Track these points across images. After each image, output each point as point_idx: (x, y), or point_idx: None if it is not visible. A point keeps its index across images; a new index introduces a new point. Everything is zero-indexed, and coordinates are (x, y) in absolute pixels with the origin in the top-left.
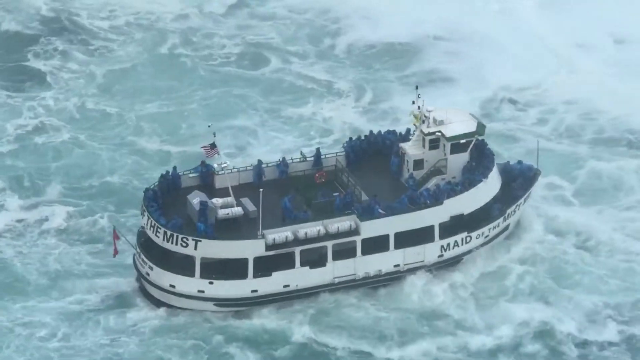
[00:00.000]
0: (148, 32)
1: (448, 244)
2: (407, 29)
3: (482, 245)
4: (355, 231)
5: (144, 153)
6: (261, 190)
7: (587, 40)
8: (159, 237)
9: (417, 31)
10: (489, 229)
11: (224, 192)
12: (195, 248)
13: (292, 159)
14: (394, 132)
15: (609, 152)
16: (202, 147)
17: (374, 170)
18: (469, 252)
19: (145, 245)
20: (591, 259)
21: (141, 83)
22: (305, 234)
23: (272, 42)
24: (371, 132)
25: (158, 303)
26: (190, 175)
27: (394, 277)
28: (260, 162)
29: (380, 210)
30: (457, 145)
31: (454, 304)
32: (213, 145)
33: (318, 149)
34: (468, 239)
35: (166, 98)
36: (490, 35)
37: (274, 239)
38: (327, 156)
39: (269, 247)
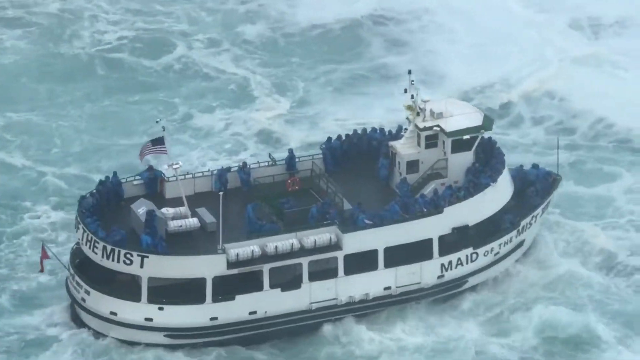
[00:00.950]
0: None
1: (450, 262)
2: (338, 10)
3: (492, 264)
4: (335, 245)
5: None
6: (221, 193)
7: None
8: (96, 253)
9: (349, 12)
10: (500, 245)
11: (176, 203)
12: (142, 266)
13: (258, 162)
14: (381, 130)
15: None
16: (145, 148)
17: (359, 176)
18: (476, 272)
19: (81, 265)
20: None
21: (11, 84)
22: (276, 248)
23: (176, 29)
24: (355, 131)
25: (96, 335)
26: (135, 182)
27: (385, 303)
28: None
29: (366, 221)
30: (460, 142)
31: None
32: (159, 142)
33: (291, 151)
34: (474, 256)
35: (43, 105)
36: (442, 17)
37: (237, 254)
38: (301, 159)
39: (231, 265)
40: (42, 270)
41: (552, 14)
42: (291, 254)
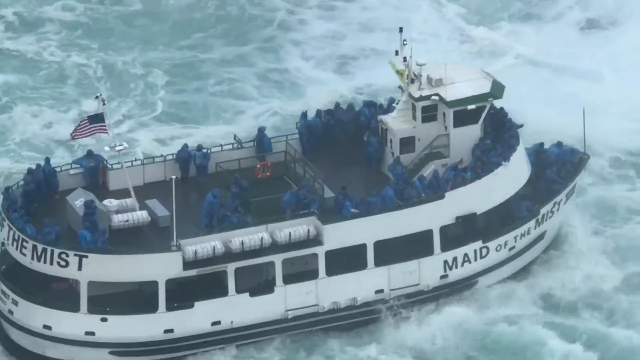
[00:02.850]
0: None
1: (454, 259)
2: None
3: (506, 261)
4: (315, 240)
5: None
6: (174, 177)
7: None
8: (25, 255)
9: None
10: (515, 238)
11: (122, 195)
12: (79, 268)
13: (221, 146)
14: (371, 103)
15: None
16: (81, 127)
17: (342, 158)
18: (487, 271)
19: (8, 271)
20: None
21: None
22: (242, 244)
23: None
24: (337, 105)
25: (26, 355)
26: (72, 172)
27: (376, 310)
28: (185, 145)
29: (352, 209)
30: (464, 114)
31: None
32: (98, 119)
33: (261, 130)
34: (484, 251)
35: None
36: None
37: (196, 251)
38: (273, 140)
39: (188, 265)
40: None
41: None
42: (261, 250)
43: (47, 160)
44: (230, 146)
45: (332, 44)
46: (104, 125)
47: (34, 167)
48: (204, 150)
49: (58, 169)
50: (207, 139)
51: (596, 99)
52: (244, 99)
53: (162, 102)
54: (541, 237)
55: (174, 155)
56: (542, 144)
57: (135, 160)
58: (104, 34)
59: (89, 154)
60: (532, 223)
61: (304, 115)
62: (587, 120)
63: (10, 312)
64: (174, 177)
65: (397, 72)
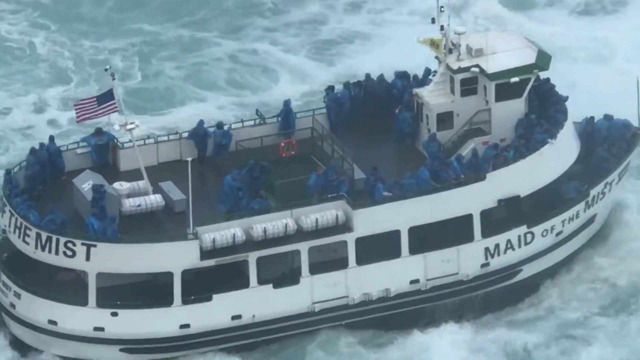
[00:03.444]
0: None
1: (496, 246)
2: None
3: (553, 248)
4: (344, 226)
5: None
6: (189, 159)
7: None
8: (28, 243)
9: None
10: (563, 222)
11: (133, 176)
12: (88, 258)
13: (241, 121)
14: (404, 74)
15: None
16: (77, 103)
17: (374, 134)
18: (532, 259)
19: (10, 261)
20: None
21: None
22: (264, 231)
23: None
24: (368, 76)
25: (29, 351)
26: (79, 151)
27: (411, 302)
28: (202, 122)
29: (384, 192)
30: (506, 87)
31: None
32: (107, 98)
33: (287, 103)
34: (529, 237)
35: None
36: None
37: (214, 239)
38: (298, 116)
39: (206, 254)
40: None
41: None
42: (285, 238)
43: (52, 138)
44: (252, 122)
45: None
46: (114, 103)
47: (36, 146)
48: (225, 128)
49: (64, 148)
50: (172, 125)
51: None
52: (209, 87)
53: (125, 88)
54: (591, 220)
55: (189, 133)
56: (592, 118)
57: (148, 138)
58: (64, 15)
59: (98, 131)
60: (581, 205)
61: (331, 88)
62: None
63: (12, 305)
64: (189, 159)
65: (433, 43)
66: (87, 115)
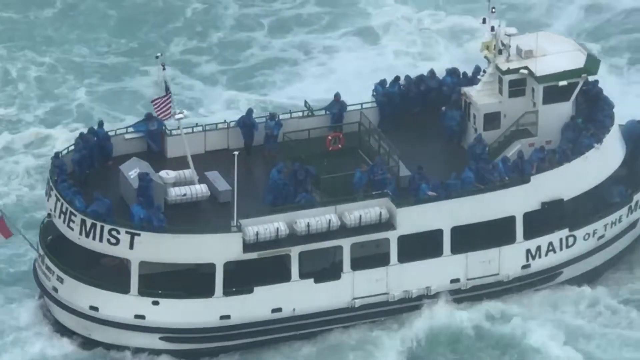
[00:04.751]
0: None
1: (538, 248)
2: None
3: (594, 251)
4: (387, 223)
5: None
6: (236, 153)
7: None
8: (73, 229)
9: None
10: (605, 226)
11: (180, 164)
12: (131, 246)
13: (290, 112)
14: (454, 71)
15: None
16: (153, 101)
17: (422, 131)
18: (573, 261)
19: (54, 244)
20: None
21: None
22: (308, 226)
23: None
24: (422, 76)
25: (71, 335)
26: (127, 136)
27: (452, 300)
28: (250, 111)
29: (429, 192)
30: (554, 90)
31: None
32: (168, 92)
33: (338, 96)
34: (571, 240)
35: None
36: None
37: (257, 233)
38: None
39: (249, 247)
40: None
41: None
42: (328, 233)
43: (101, 123)
44: (300, 114)
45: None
46: (169, 98)
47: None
48: (277, 119)
49: (112, 133)
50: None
51: None
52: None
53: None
54: (633, 225)
55: (237, 122)
56: (639, 122)
57: (196, 126)
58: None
59: (149, 117)
60: (624, 210)
61: (382, 83)
62: None
63: (55, 289)
64: (236, 153)
65: (483, 43)
66: (166, 109)
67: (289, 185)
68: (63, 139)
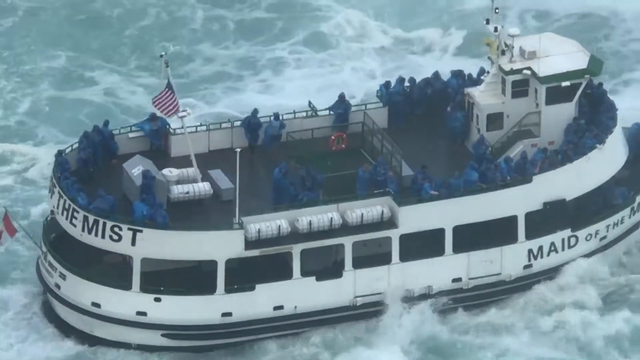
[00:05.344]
0: None
1: (540, 248)
2: None
3: (596, 252)
4: (389, 222)
5: None
6: (238, 149)
7: None
8: (75, 225)
9: None
10: (607, 227)
11: (184, 163)
12: (133, 243)
13: (294, 112)
14: (459, 73)
15: None
16: (154, 100)
17: (426, 132)
18: (573, 262)
19: (57, 241)
20: None
21: None
22: (309, 224)
23: None
24: (429, 79)
25: (72, 333)
26: (131, 135)
27: (452, 300)
28: (256, 111)
29: (431, 191)
30: (557, 90)
31: None
32: (169, 89)
33: (342, 96)
34: (572, 240)
35: None
36: None
37: (259, 230)
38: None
39: (250, 244)
40: None
41: None
42: (330, 231)
43: (106, 122)
44: (304, 114)
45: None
46: (174, 97)
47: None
48: (281, 119)
49: (116, 132)
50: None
51: None
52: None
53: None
54: (636, 226)
55: (242, 121)
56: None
57: (200, 125)
58: None
59: (152, 117)
60: (626, 211)
61: (386, 85)
62: None
63: (57, 286)
64: (238, 149)
65: (487, 44)
66: (171, 108)
67: (294, 186)
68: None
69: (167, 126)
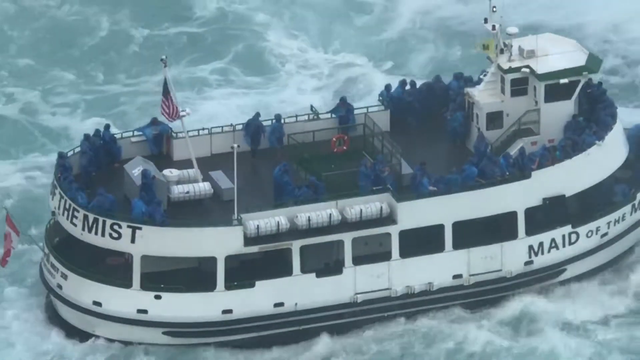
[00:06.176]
0: None
1: (540, 244)
2: None
3: (597, 249)
4: (388, 218)
5: None
6: (236, 145)
7: None
8: (75, 225)
9: None
10: (608, 223)
11: (186, 166)
12: (133, 240)
13: (296, 116)
14: (460, 75)
15: None
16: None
17: (427, 134)
18: (576, 259)
19: (60, 244)
20: None
21: None
22: (309, 220)
23: None
24: (431, 82)
25: (75, 332)
26: (133, 139)
27: (453, 297)
28: (258, 115)
29: (430, 187)
30: (556, 88)
31: None
32: (166, 89)
33: (344, 100)
34: (573, 236)
35: None
36: None
37: (258, 226)
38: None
39: (250, 240)
40: (4, 263)
41: None
42: (329, 228)
43: (107, 126)
44: (306, 117)
45: None
46: (174, 103)
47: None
48: (282, 120)
49: (118, 137)
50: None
51: None
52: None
53: None
54: (638, 224)
55: (245, 125)
56: None
57: (202, 129)
58: None
59: (153, 121)
60: (627, 208)
61: (387, 88)
62: None
63: (59, 286)
64: (235, 145)
65: (484, 45)
66: (175, 112)
67: (295, 187)
68: None
69: (169, 130)
